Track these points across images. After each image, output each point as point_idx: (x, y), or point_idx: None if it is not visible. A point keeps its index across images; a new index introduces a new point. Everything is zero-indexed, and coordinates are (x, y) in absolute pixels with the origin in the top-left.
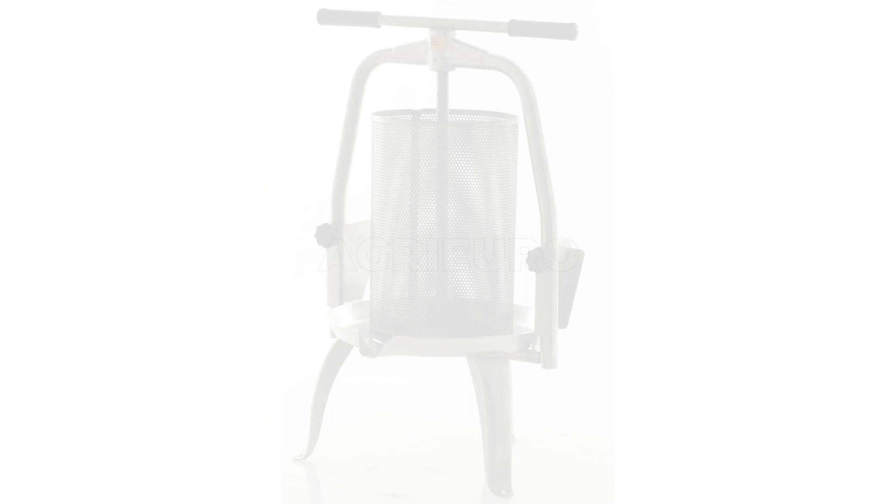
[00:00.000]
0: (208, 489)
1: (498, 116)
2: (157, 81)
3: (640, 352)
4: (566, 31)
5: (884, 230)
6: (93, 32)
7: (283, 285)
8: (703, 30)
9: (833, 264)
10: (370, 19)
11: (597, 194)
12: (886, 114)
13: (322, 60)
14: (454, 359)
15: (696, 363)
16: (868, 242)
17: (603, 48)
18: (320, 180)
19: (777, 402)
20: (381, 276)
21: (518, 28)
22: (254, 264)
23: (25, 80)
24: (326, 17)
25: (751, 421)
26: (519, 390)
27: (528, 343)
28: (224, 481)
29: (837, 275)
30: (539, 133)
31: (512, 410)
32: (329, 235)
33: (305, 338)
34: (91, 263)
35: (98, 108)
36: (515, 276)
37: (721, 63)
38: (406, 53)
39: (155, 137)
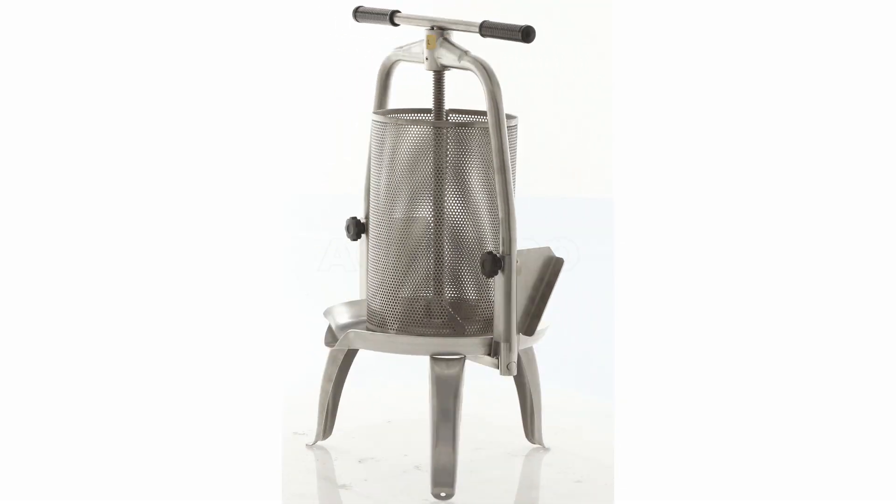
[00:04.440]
0: (208, 490)
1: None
2: (156, 81)
3: (641, 352)
4: (525, 34)
5: (885, 231)
6: (91, 32)
7: (282, 285)
8: (705, 29)
9: (832, 260)
10: (387, 17)
11: (597, 192)
12: (887, 115)
13: (322, 61)
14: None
15: (696, 363)
16: (870, 244)
17: (604, 47)
18: (319, 180)
19: (778, 402)
20: (378, 274)
21: (488, 30)
22: (254, 264)
23: (28, 81)
24: (362, 16)
25: (751, 421)
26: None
27: (486, 348)
28: (224, 482)
29: (836, 271)
30: (502, 136)
31: (459, 413)
32: (359, 229)
33: (305, 338)
34: (89, 264)
35: (95, 107)
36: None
37: (721, 62)
38: (409, 52)
39: (155, 137)
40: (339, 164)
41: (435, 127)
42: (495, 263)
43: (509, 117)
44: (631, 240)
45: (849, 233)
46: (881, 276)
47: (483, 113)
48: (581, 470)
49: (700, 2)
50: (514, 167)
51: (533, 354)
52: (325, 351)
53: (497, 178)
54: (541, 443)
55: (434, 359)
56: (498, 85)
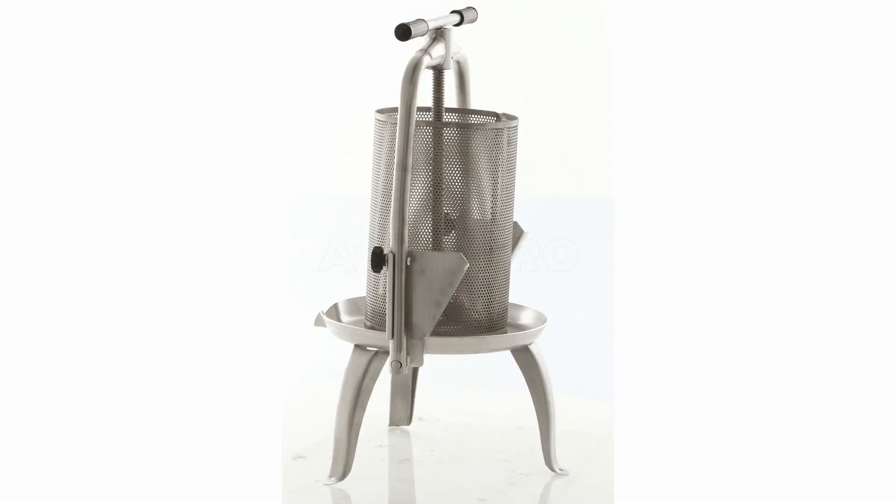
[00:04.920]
0: (207, 490)
1: (496, 116)
2: (156, 81)
3: (641, 352)
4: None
5: (885, 232)
6: (91, 32)
7: (282, 285)
8: (705, 29)
9: (833, 260)
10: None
11: (597, 192)
12: (888, 116)
13: (322, 61)
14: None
15: (697, 364)
16: (870, 245)
17: (604, 47)
18: (319, 180)
19: (779, 404)
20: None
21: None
22: (254, 264)
23: (26, 80)
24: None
25: (752, 423)
26: (517, 386)
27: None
28: (223, 483)
29: (837, 271)
30: (408, 134)
31: (354, 404)
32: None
33: (305, 338)
34: (88, 264)
35: (94, 107)
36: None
37: (722, 62)
38: (439, 56)
39: (155, 137)
40: (339, 164)
41: (431, 126)
42: (378, 259)
43: (510, 118)
44: (631, 240)
45: (849, 233)
46: (881, 276)
47: (482, 112)
48: (580, 470)
49: (701, 1)
50: (514, 167)
51: (535, 367)
52: (325, 350)
53: (396, 174)
54: (549, 466)
55: (354, 347)
56: (410, 84)
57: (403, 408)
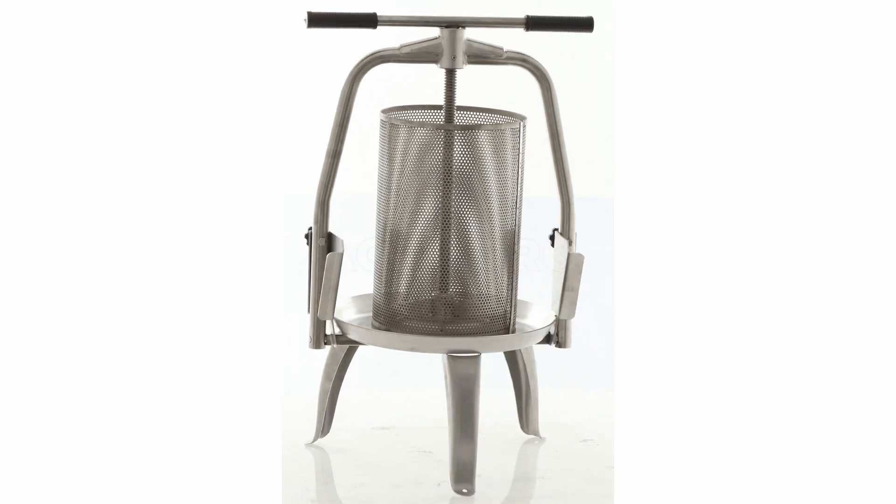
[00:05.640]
0: (207, 492)
1: (505, 115)
2: (156, 81)
3: (641, 352)
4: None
5: (885, 232)
6: (91, 33)
7: (282, 285)
8: (707, 29)
9: (832, 260)
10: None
11: (597, 192)
12: (888, 117)
13: (322, 59)
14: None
15: (697, 363)
16: (870, 245)
17: (605, 46)
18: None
19: (779, 402)
20: (384, 271)
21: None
22: (254, 264)
23: (18, 80)
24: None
25: (752, 421)
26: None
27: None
28: (223, 485)
29: (836, 271)
30: (343, 125)
31: (324, 370)
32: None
33: (305, 339)
34: (86, 266)
35: (93, 108)
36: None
37: (723, 62)
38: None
39: (154, 137)
40: (340, 163)
41: (443, 128)
42: (307, 236)
43: (519, 118)
44: (631, 240)
45: (849, 234)
46: (881, 276)
47: (489, 111)
48: (580, 469)
49: (703, 4)
50: (520, 167)
51: (451, 381)
52: (325, 351)
53: (324, 161)
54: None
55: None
56: (350, 80)
57: (534, 418)
